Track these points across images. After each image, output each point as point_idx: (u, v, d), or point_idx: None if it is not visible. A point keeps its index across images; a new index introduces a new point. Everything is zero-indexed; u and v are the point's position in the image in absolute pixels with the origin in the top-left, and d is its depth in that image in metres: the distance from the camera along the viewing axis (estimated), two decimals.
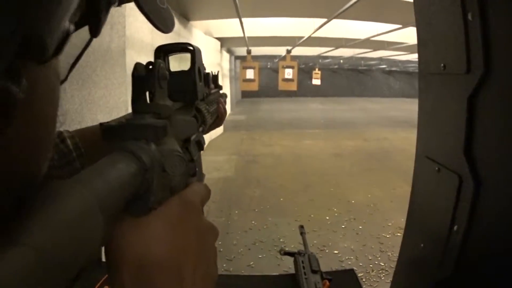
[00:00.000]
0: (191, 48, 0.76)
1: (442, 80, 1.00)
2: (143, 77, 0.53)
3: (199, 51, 0.78)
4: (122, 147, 0.44)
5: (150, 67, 0.52)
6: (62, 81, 0.40)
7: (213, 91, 1.01)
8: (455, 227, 0.91)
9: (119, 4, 0.46)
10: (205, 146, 0.74)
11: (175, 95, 0.64)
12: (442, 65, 0.96)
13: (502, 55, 0.76)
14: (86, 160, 0.82)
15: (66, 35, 0.31)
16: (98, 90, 3.36)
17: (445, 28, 0.93)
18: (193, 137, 0.68)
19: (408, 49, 14.07)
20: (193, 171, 0.64)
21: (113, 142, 0.47)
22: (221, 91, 1.14)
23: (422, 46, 1.10)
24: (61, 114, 0.38)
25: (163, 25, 0.49)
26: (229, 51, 20.03)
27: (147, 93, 0.53)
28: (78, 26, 0.40)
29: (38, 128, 0.33)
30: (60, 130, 0.81)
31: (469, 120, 0.86)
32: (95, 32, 0.40)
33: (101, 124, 0.48)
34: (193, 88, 0.76)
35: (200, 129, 0.78)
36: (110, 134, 0.47)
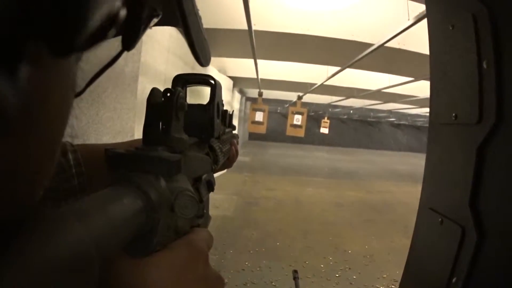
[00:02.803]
0: (212, 82, 0.72)
1: (452, 131, 0.98)
2: (160, 104, 0.49)
3: (220, 86, 0.75)
4: (128, 179, 0.40)
5: (168, 94, 0.48)
6: (78, 94, 0.34)
7: (227, 130, 0.98)
8: (454, 279, 0.88)
9: (162, 24, 0.43)
10: (215, 186, 0.70)
11: (190, 129, 0.60)
12: (453, 114, 0.94)
13: None
14: (85, 180, 0.75)
15: (110, 23, 0.24)
16: (106, 112, 3.34)
17: (459, 77, 0.93)
18: (204, 176, 0.64)
19: (418, 102, 14.15)
20: (201, 212, 0.60)
21: (119, 172, 0.42)
22: (234, 132, 1.11)
23: (435, 95, 1.09)
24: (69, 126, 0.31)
25: (204, 58, 0.46)
26: (241, 92, 20.19)
27: (161, 123, 0.49)
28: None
29: (38, 151, 0.26)
30: (62, 142, 0.76)
31: (477, 171, 0.84)
32: (129, 44, 0.35)
33: (106, 149, 0.44)
34: (210, 124, 0.72)
35: (213, 167, 0.75)
36: (116, 162, 0.43)
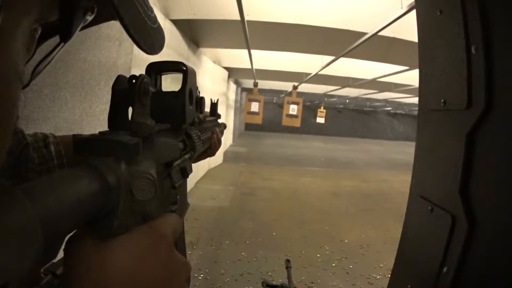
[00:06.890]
0: (184, 68, 0.72)
1: (441, 117, 0.97)
2: (124, 91, 0.50)
3: (193, 72, 0.75)
4: (88, 162, 0.41)
5: (134, 81, 0.48)
6: (25, 86, 0.36)
7: (209, 118, 0.99)
8: (445, 269, 0.86)
9: (98, 22, 0.45)
10: (190, 173, 0.71)
11: (162, 116, 0.62)
12: (442, 100, 0.93)
13: (504, 91, 0.73)
14: None
15: None
16: (99, 105, 3.35)
17: (448, 62, 0.91)
18: (176, 163, 0.64)
19: (414, 91, 14.16)
20: (174, 198, 0.61)
21: (81, 155, 0.43)
22: (220, 121, 1.11)
23: (424, 81, 1.08)
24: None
25: (148, 46, 0.46)
26: (236, 82, 20.18)
27: (129, 110, 0.50)
28: (51, 33, 0.39)
29: None
30: (45, 133, 0.77)
31: (467, 158, 0.83)
32: (65, 36, 0.38)
33: (74, 135, 0.45)
34: (180, 111, 0.71)
35: (188, 155, 0.74)
36: (81, 147, 0.44)
